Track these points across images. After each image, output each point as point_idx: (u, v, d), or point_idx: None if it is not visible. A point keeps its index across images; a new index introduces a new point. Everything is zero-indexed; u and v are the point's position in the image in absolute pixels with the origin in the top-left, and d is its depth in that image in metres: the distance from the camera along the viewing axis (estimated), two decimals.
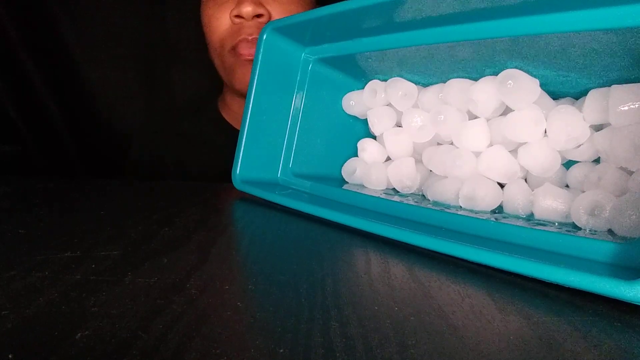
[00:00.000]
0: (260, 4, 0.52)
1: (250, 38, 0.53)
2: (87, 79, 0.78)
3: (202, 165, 0.65)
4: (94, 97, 0.79)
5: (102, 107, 0.80)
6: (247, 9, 0.50)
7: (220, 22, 0.55)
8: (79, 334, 0.15)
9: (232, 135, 0.47)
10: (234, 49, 0.55)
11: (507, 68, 0.32)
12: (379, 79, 0.42)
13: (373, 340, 0.16)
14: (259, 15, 0.51)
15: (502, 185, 0.33)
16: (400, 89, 0.39)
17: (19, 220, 0.27)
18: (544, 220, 0.30)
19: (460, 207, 0.33)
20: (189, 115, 0.71)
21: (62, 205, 0.32)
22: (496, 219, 0.30)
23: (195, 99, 0.81)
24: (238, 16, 0.52)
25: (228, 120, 0.66)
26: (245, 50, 0.54)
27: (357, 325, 0.17)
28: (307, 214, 0.34)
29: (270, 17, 0.52)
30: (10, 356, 0.13)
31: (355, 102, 0.44)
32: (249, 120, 0.41)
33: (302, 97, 0.43)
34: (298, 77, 0.43)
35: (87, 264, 0.21)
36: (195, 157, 0.65)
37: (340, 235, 0.30)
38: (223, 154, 0.51)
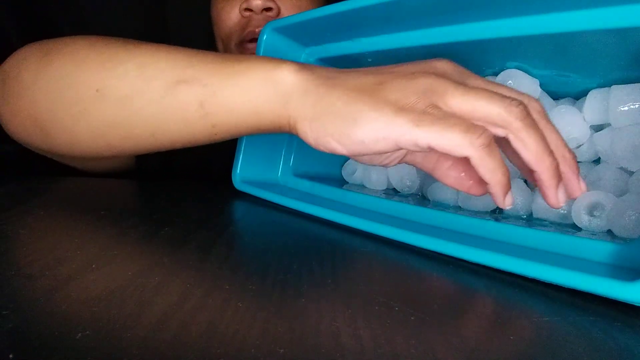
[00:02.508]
0: None
1: (257, 31, 0.53)
2: None
3: (201, 165, 0.64)
4: None
5: None
6: (257, 2, 0.50)
7: (229, 16, 0.55)
8: (79, 334, 0.15)
9: None
10: (241, 43, 0.55)
11: (507, 68, 0.32)
12: None
13: (375, 340, 0.16)
14: (268, 9, 0.51)
15: None
16: None
17: (19, 220, 0.27)
18: (544, 221, 0.30)
19: (460, 207, 0.33)
20: None
21: (62, 205, 0.32)
22: (496, 219, 0.30)
23: None
24: (247, 9, 0.52)
25: None
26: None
27: (359, 325, 0.17)
28: (307, 214, 0.34)
29: (279, 12, 0.52)
30: (10, 356, 0.13)
31: None
32: None
33: None
34: None
35: (87, 264, 0.21)
36: (195, 157, 0.65)
37: (340, 235, 0.30)
38: (223, 154, 0.51)
